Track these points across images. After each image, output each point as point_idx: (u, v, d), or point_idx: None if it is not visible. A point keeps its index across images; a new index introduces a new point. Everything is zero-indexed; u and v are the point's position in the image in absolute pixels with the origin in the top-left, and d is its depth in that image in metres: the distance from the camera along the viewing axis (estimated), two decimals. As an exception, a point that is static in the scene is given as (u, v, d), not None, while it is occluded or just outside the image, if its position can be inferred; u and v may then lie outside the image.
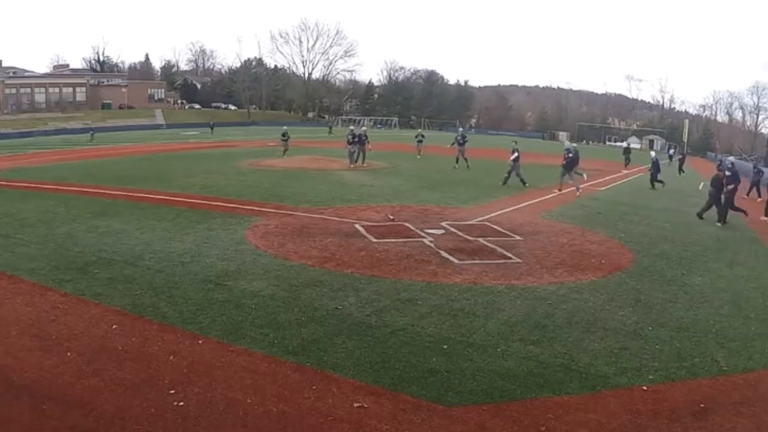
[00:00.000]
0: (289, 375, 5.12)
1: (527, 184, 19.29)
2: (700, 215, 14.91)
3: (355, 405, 4.62)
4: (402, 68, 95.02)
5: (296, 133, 38.90)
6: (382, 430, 4.30)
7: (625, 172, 28.54)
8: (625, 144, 38.10)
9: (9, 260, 8.39)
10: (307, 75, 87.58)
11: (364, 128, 28.99)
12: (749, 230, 14.08)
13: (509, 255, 9.64)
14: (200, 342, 5.74)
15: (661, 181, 21.80)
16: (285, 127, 30.04)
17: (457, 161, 24.31)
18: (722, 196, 14.67)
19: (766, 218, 15.67)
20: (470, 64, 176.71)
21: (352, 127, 30.30)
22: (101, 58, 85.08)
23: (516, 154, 19.62)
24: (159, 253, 8.96)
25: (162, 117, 67.68)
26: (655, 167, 22.02)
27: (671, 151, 44.15)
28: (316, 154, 27.46)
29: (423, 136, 31.42)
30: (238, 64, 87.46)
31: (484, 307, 7.07)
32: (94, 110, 65.29)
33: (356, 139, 23.43)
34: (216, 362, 5.31)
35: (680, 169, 31.26)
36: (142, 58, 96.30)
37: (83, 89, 69.33)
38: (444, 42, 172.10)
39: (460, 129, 30.95)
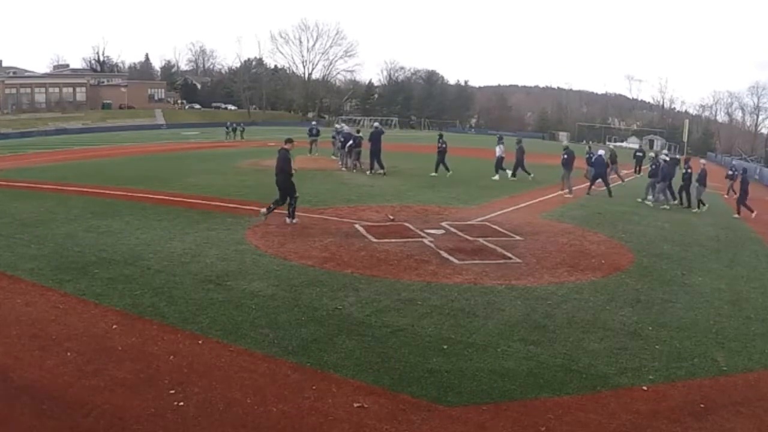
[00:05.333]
0: (289, 375, 5.12)
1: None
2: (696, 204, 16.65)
3: (355, 405, 4.62)
4: (402, 68, 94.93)
5: (297, 133, 38.91)
6: (382, 430, 4.30)
7: (624, 172, 28.47)
8: (636, 146, 36.45)
9: (9, 260, 8.38)
10: (307, 75, 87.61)
11: (339, 126, 28.44)
12: (749, 230, 14.10)
13: (509, 255, 9.64)
14: (200, 342, 5.74)
15: (590, 185, 18.92)
16: (314, 122, 31.34)
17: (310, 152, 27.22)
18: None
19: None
20: (470, 64, 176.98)
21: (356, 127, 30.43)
22: (101, 58, 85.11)
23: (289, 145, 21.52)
24: (159, 253, 8.96)
25: (162, 117, 67.65)
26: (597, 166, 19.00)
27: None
28: (319, 153, 27.48)
29: (353, 137, 22.27)
30: (238, 64, 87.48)
31: (484, 307, 7.07)
32: (94, 110, 65.25)
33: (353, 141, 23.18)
34: (216, 362, 5.31)
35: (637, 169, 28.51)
36: (142, 58, 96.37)
37: (83, 89, 69.27)
38: (444, 42, 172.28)
39: (314, 123, 30.83)
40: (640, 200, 17.43)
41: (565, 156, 18.76)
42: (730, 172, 21.77)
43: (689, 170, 16.91)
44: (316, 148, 27.87)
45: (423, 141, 32.91)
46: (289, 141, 11.85)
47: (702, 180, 16.60)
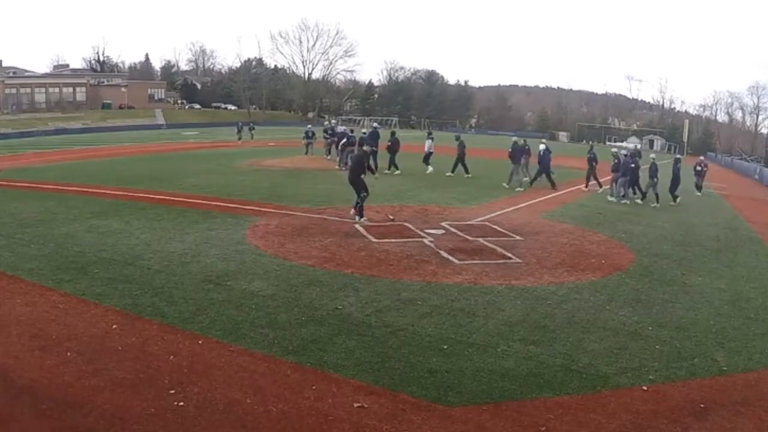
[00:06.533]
0: (289, 375, 5.12)
1: None
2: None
3: (355, 405, 4.62)
4: (402, 68, 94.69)
5: (296, 134, 38.85)
6: (382, 430, 4.31)
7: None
8: (633, 146, 36.10)
9: (9, 260, 8.38)
10: (307, 75, 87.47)
11: (328, 124, 28.85)
12: (749, 230, 14.10)
13: (509, 255, 9.64)
14: (200, 342, 5.74)
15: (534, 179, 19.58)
16: (309, 125, 31.37)
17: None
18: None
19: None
20: (470, 64, 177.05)
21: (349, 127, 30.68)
22: (101, 58, 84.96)
23: (367, 148, 22.03)
24: (159, 253, 8.96)
25: (162, 117, 67.62)
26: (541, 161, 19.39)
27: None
28: (315, 153, 27.50)
29: (313, 134, 28.50)
30: (238, 64, 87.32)
31: (484, 307, 7.07)
32: (94, 110, 65.19)
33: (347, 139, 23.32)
34: (216, 362, 5.31)
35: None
36: (142, 58, 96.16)
37: (83, 89, 69.15)
38: (444, 42, 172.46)
39: (309, 126, 31.36)
40: (613, 199, 17.49)
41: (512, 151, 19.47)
42: (698, 168, 21.95)
43: (633, 165, 17.44)
44: (312, 149, 28.11)
45: (423, 141, 32.74)
46: (367, 144, 13.87)
47: (653, 174, 17.08)
